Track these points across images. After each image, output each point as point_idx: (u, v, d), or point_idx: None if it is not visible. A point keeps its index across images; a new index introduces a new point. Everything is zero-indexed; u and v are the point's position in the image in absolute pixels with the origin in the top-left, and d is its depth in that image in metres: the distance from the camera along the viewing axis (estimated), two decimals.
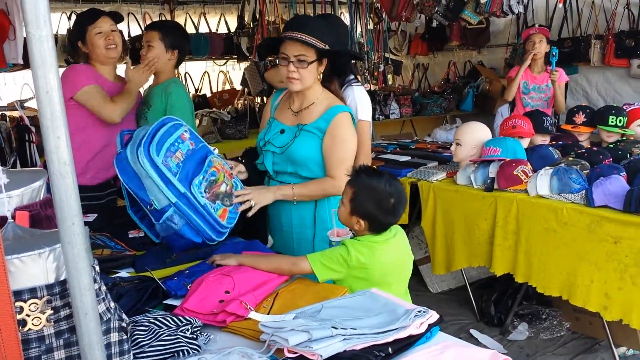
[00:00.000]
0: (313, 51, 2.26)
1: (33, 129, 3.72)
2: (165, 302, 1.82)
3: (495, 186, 3.21)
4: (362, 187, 1.94)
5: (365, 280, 1.90)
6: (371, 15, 5.42)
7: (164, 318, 1.60)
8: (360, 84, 2.78)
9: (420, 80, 8.02)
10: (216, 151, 2.31)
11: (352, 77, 2.75)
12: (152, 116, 3.12)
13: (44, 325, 0.99)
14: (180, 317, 1.62)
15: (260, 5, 5.28)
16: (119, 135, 2.18)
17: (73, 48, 2.92)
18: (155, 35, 3.09)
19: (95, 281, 1.06)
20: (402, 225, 3.89)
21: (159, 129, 2.13)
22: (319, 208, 2.41)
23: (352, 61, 2.94)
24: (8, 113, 4.34)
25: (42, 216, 1.23)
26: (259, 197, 2.29)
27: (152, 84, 3.28)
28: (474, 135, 3.41)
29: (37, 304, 0.98)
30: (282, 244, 2.49)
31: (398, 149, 4.41)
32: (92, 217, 2.64)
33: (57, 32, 6.05)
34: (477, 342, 3.34)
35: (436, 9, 4.54)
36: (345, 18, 5.78)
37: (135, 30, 6.69)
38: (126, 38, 6.55)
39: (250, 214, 2.26)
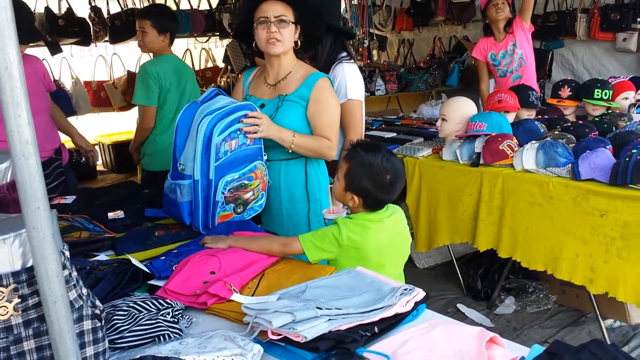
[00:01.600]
0: (291, 12, 2.24)
1: None
2: (150, 282, 1.78)
3: (481, 161, 3.18)
4: (358, 162, 1.88)
5: (359, 261, 1.84)
6: None
7: (143, 302, 1.56)
8: (352, 61, 2.69)
9: (406, 56, 7.95)
10: (265, 157, 2.26)
11: (344, 54, 2.68)
12: None
13: (11, 315, 0.94)
14: (161, 300, 1.58)
15: None
16: (209, 91, 2.23)
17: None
18: (148, 23, 3.46)
19: (64, 267, 1.01)
20: None
21: (235, 111, 2.12)
22: (310, 182, 2.37)
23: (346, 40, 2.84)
24: None
25: (9, 200, 1.18)
26: (268, 128, 2.20)
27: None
28: (459, 110, 3.37)
29: (2, 293, 0.93)
30: (270, 223, 2.43)
31: (383, 126, 4.37)
32: (70, 199, 2.58)
33: (34, 10, 5.90)
34: (464, 317, 3.35)
35: None
36: None
37: (115, 8, 6.56)
38: (105, 16, 6.43)
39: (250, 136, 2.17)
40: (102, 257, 1.93)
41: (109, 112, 7.00)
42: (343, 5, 5.45)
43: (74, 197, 2.59)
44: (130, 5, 6.69)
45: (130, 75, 6.74)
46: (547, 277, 3.32)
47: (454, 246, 3.80)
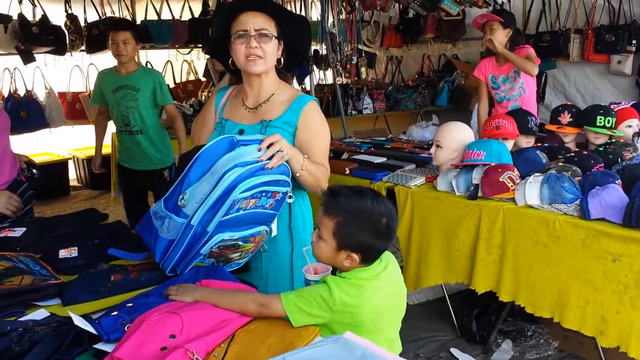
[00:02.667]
0: (274, 25, 1.99)
1: None
2: (96, 346, 1.48)
3: (480, 194, 2.92)
4: (346, 213, 1.56)
5: (352, 327, 1.53)
6: (343, 4, 5.08)
7: None
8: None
9: (394, 74, 7.76)
10: (272, 227, 1.96)
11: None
12: (143, 97, 4.00)
13: None
14: None
15: None
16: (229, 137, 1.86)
17: None
18: (129, 34, 3.97)
19: None
20: None
21: (271, 173, 1.80)
22: (294, 219, 2.08)
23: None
24: None
25: None
26: (288, 148, 1.87)
27: (125, 72, 4.04)
28: (455, 136, 3.12)
29: None
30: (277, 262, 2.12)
31: (372, 149, 4.10)
32: (19, 231, 2.26)
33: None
34: None
35: None
36: (317, 6, 5.45)
37: (93, 16, 6.27)
38: (82, 24, 6.14)
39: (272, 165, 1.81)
40: (39, 313, 1.62)
41: (84, 125, 6.70)
42: (331, 20, 5.22)
43: (24, 229, 2.28)
44: (108, 14, 6.42)
45: None
46: (548, 321, 3.06)
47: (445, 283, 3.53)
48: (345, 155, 3.82)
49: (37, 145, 7.20)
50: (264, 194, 1.81)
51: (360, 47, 5.25)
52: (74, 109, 6.54)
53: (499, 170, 2.86)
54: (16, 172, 2.74)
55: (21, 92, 5.99)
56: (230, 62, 2.05)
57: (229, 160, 1.77)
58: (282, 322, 1.59)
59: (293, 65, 2.19)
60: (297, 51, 2.12)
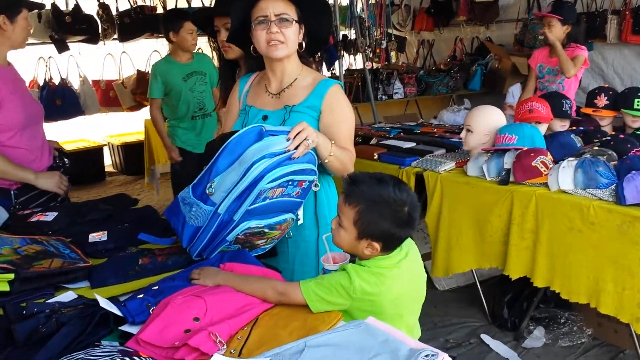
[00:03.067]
0: (294, 9, 1.96)
1: None
2: (121, 328, 1.50)
3: (511, 179, 2.86)
4: (368, 201, 1.54)
5: (372, 314, 1.51)
6: None
7: (106, 358, 1.28)
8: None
9: (425, 58, 7.63)
10: (299, 214, 1.95)
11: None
12: (210, 80, 4.18)
13: None
14: (127, 359, 1.29)
15: None
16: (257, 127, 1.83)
17: None
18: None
19: None
20: None
21: (298, 162, 1.79)
22: (319, 205, 2.07)
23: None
24: None
25: None
26: (315, 134, 1.83)
27: (186, 59, 4.16)
28: (486, 120, 3.05)
29: None
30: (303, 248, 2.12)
31: (402, 134, 4.05)
32: (51, 215, 2.30)
33: None
34: (488, 350, 3.03)
35: None
36: None
37: (124, 5, 6.33)
38: (114, 13, 6.20)
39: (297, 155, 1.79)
40: (67, 296, 1.64)
41: (117, 112, 6.79)
42: (360, 5, 5.15)
43: (56, 213, 2.32)
44: (140, 3, 6.46)
45: (140, 74, 6.52)
46: (582, 308, 3.00)
47: (478, 268, 3.47)
48: (374, 140, 3.79)
49: (72, 133, 7.36)
50: (290, 183, 1.80)
51: (390, 31, 5.16)
52: (108, 96, 6.62)
53: (532, 154, 2.79)
54: (51, 158, 2.80)
55: (56, 81, 6.06)
56: (251, 48, 2.04)
57: (258, 151, 1.76)
58: (304, 307, 1.58)
59: (315, 49, 2.17)
60: (319, 35, 2.09)
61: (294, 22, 1.95)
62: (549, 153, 2.82)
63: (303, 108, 2.01)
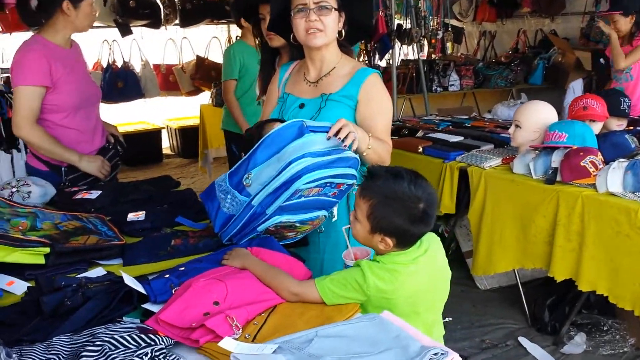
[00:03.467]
0: None
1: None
2: (144, 306, 1.54)
3: (558, 178, 2.76)
4: (381, 196, 1.52)
5: (387, 309, 1.50)
6: None
7: (121, 337, 1.32)
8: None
9: (486, 49, 7.43)
10: (334, 211, 1.93)
11: None
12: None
13: None
14: (143, 336, 1.34)
15: None
16: (303, 124, 1.81)
17: (47, 6, 2.58)
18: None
19: None
20: (448, 215, 3.57)
21: (337, 166, 1.77)
22: (352, 196, 2.00)
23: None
24: None
25: None
26: (356, 130, 1.81)
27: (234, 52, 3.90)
28: (536, 116, 2.95)
29: None
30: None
31: (451, 127, 3.97)
32: (95, 194, 2.39)
33: None
34: (525, 353, 2.95)
35: None
36: None
37: None
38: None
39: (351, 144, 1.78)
40: (96, 272, 1.71)
41: (176, 96, 6.96)
42: None
43: (100, 192, 2.41)
44: None
45: (199, 60, 6.66)
46: (626, 315, 2.87)
47: (521, 269, 3.38)
48: (420, 133, 3.73)
49: (132, 115, 7.59)
50: (328, 185, 1.78)
51: (447, 21, 5.05)
52: (168, 80, 6.79)
53: (581, 153, 2.68)
54: (104, 140, 2.89)
55: (119, 64, 6.26)
56: (292, 37, 2.04)
57: (298, 148, 1.73)
58: None
59: (356, 38, 2.15)
60: (360, 23, 2.07)
61: (333, 9, 1.93)
62: (599, 153, 2.70)
63: (339, 97, 2.00)
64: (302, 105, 2.06)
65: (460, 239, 3.77)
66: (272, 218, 1.79)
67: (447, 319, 3.18)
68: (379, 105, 2.00)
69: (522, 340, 3.05)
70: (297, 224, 1.86)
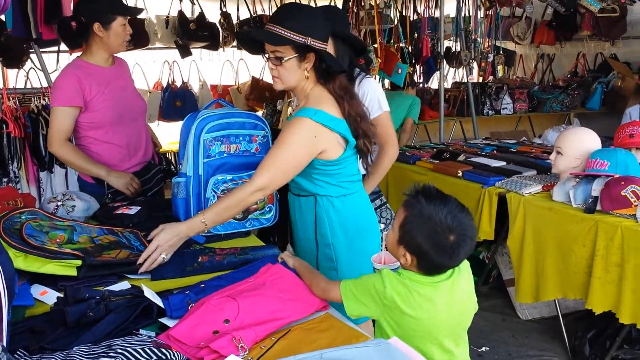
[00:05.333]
0: (289, 47, 1.94)
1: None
2: (161, 320, 1.61)
3: (598, 207, 2.67)
4: (416, 212, 1.52)
5: (402, 328, 1.53)
6: (482, 0, 4.88)
7: (135, 349, 1.38)
8: (370, 76, 2.69)
9: (544, 73, 7.28)
10: None
11: (357, 70, 2.60)
12: None
13: None
14: (156, 350, 1.40)
15: None
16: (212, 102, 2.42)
17: (82, 27, 2.69)
18: None
19: None
20: (488, 242, 3.51)
21: (233, 116, 2.17)
22: (319, 223, 2.11)
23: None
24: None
25: None
26: (168, 248, 1.94)
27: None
28: (578, 143, 2.88)
29: None
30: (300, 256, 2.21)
31: (496, 152, 3.91)
32: (134, 209, 2.50)
33: (168, 13, 6.15)
34: None
35: None
36: (452, 2, 5.28)
37: (245, 14, 6.65)
38: (235, 22, 6.54)
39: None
40: (121, 285, 1.79)
41: None
42: (466, 14, 5.04)
43: (139, 207, 2.52)
44: (259, 12, 6.76)
45: (254, 81, 6.82)
46: None
47: (564, 300, 3.28)
48: (462, 157, 3.69)
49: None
50: (241, 139, 2.11)
51: (498, 44, 5.00)
52: None
53: (622, 182, 2.59)
54: (151, 154, 2.99)
55: (178, 83, 6.47)
56: None
57: (193, 116, 2.18)
58: (338, 326, 1.60)
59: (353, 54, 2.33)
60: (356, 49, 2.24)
61: (290, 59, 1.95)
62: None
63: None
64: None
65: (501, 267, 3.69)
66: (210, 180, 2.10)
67: (483, 349, 3.14)
68: (278, 142, 1.98)
69: None
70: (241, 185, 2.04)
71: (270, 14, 6.73)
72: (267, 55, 2.01)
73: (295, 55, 1.96)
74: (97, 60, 2.75)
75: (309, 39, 1.93)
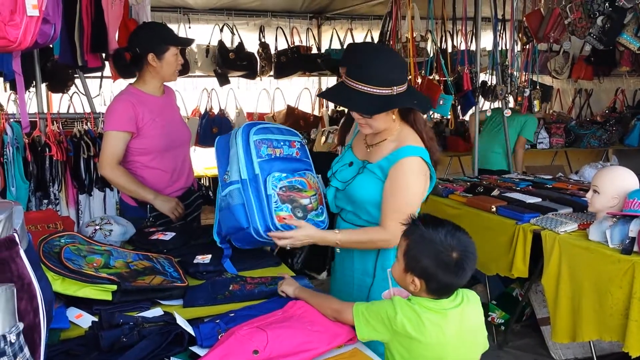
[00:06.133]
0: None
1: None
2: (191, 348, 1.63)
3: (636, 248, 2.61)
4: (418, 238, 1.58)
5: (412, 354, 1.56)
6: (519, 35, 4.88)
7: None
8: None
9: (582, 108, 7.20)
10: (319, 177, 2.20)
11: None
12: None
13: None
14: None
15: (393, 22, 5.00)
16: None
17: (137, 57, 2.80)
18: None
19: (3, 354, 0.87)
20: (522, 280, 3.45)
21: (266, 124, 2.22)
22: (382, 256, 2.10)
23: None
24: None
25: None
26: (301, 241, 2.06)
27: None
28: (616, 182, 2.83)
29: None
30: (339, 290, 2.26)
31: (531, 187, 3.86)
32: (169, 235, 2.56)
33: (209, 43, 6.32)
34: None
35: (590, 30, 3.89)
36: (488, 36, 5.29)
37: (282, 44, 6.79)
38: (272, 52, 6.68)
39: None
40: (154, 311, 1.83)
41: None
42: (502, 48, 5.04)
43: (174, 234, 2.57)
44: (297, 43, 6.89)
45: (290, 110, 6.92)
46: None
47: (598, 342, 3.19)
48: (495, 192, 3.66)
49: None
50: (282, 143, 2.14)
51: (535, 78, 4.98)
52: None
53: None
54: (191, 182, 3.07)
55: (215, 110, 6.61)
56: None
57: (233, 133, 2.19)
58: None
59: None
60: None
61: (373, 116, 2.01)
62: None
63: (374, 168, 2.09)
64: (350, 164, 2.19)
65: (535, 305, 3.61)
66: (267, 178, 2.06)
67: None
68: (398, 187, 2.01)
69: None
70: (297, 185, 2.11)
71: (307, 45, 6.87)
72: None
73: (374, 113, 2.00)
74: (149, 89, 2.85)
75: (394, 88, 1.96)
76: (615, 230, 2.72)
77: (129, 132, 2.76)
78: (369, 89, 1.94)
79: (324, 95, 2.30)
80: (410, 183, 2.01)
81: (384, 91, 1.95)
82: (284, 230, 2.04)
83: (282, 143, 2.18)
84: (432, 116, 5.71)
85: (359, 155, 2.17)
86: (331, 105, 7.05)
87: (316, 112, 7.26)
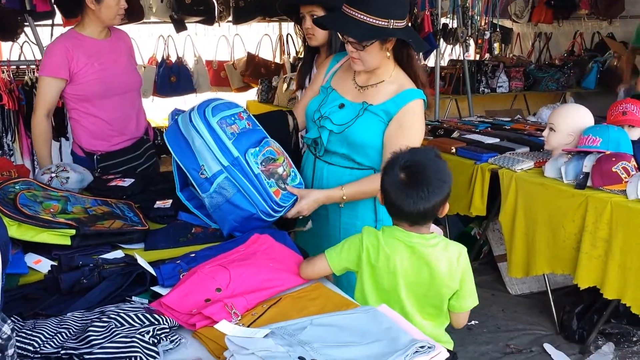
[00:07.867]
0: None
1: None
2: (153, 288, 1.63)
3: (589, 183, 2.70)
4: (387, 167, 1.67)
5: (374, 281, 1.64)
6: None
7: (127, 315, 1.41)
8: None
9: (541, 51, 7.25)
10: (275, 144, 2.09)
11: None
12: None
13: None
14: (148, 315, 1.42)
15: None
16: (170, 114, 2.13)
17: (77, 1, 2.70)
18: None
19: None
20: (480, 218, 3.54)
21: (212, 101, 2.02)
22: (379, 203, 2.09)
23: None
24: None
25: None
26: (309, 209, 2.04)
27: None
28: (571, 120, 2.89)
29: None
30: (325, 233, 2.22)
31: (490, 129, 3.92)
32: (128, 181, 2.51)
33: None
34: (549, 359, 2.90)
35: None
36: None
37: None
38: None
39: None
40: (115, 254, 1.81)
41: (226, 92, 7.09)
42: None
43: (132, 180, 2.53)
44: None
45: (250, 57, 6.78)
46: None
47: (553, 275, 3.33)
48: (456, 134, 3.71)
49: (185, 109, 7.79)
50: (234, 118, 1.99)
51: (496, 21, 4.98)
52: (219, 76, 6.90)
53: (613, 159, 2.62)
54: (142, 131, 2.98)
55: (172, 59, 6.42)
56: None
57: (183, 121, 1.97)
58: (328, 294, 1.63)
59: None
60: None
61: (371, 44, 1.96)
62: (633, 159, 2.63)
63: (378, 110, 2.04)
64: (341, 106, 2.11)
65: (492, 243, 3.73)
66: (247, 157, 1.92)
67: (473, 322, 3.19)
68: (407, 130, 2.01)
69: (547, 347, 3.00)
70: (269, 155, 1.99)
71: None
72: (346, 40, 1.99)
73: (367, 44, 1.96)
74: (89, 32, 2.73)
75: (391, 21, 1.92)
76: (570, 166, 2.80)
77: (61, 79, 2.67)
78: (366, 18, 1.91)
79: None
80: (417, 126, 2.03)
81: (380, 22, 1.91)
82: (284, 204, 1.99)
83: (233, 118, 2.01)
84: None
85: (349, 97, 2.11)
86: (292, 52, 6.93)
87: (277, 60, 7.13)
